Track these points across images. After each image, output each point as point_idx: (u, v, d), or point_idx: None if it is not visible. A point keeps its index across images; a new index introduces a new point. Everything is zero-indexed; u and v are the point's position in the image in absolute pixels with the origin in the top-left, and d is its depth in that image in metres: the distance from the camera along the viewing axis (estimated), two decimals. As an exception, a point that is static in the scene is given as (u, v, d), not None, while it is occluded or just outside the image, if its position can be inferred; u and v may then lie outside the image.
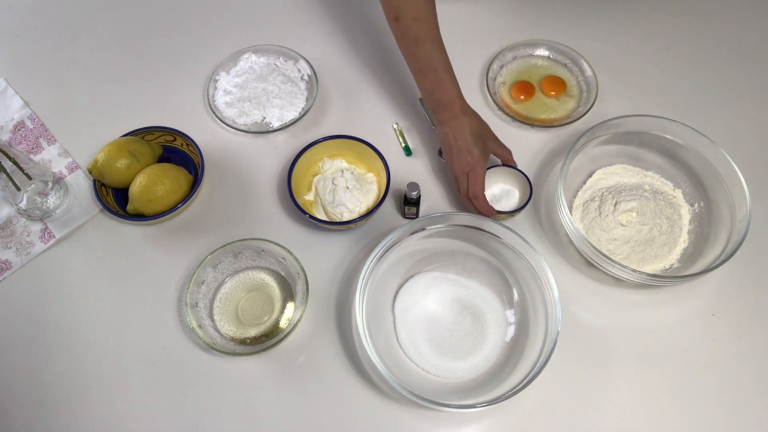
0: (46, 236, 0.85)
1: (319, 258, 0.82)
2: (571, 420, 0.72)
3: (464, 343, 0.76)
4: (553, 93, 0.96)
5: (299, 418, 0.73)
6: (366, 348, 0.69)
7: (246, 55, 0.98)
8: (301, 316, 0.74)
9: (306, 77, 0.98)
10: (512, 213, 0.82)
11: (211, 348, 0.72)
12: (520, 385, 0.67)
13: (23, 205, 0.84)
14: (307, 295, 0.75)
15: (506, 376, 0.72)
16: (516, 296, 0.78)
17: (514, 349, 0.75)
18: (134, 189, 0.82)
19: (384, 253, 0.76)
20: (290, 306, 0.79)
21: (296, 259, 0.77)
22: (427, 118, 0.84)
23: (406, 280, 0.80)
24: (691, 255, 0.81)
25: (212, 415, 0.73)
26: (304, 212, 0.80)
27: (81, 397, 0.75)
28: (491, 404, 0.66)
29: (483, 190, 0.79)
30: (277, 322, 0.78)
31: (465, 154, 0.79)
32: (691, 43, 1.02)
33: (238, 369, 0.76)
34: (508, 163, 0.83)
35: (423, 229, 0.78)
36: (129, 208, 0.83)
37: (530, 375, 0.68)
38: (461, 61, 0.98)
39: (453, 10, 1.04)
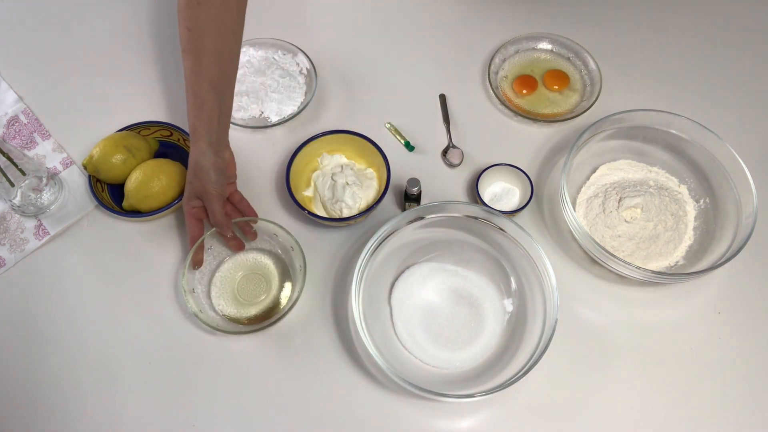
0: (40, 233, 0.84)
1: (319, 255, 0.81)
2: (571, 416, 0.72)
3: (462, 334, 0.76)
4: (556, 87, 0.94)
5: (299, 413, 0.72)
6: (363, 340, 0.68)
7: (244, 49, 0.97)
8: (301, 290, 0.74)
9: (305, 71, 0.96)
10: (512, 213, 0.81)
11: (215, 330, 0.72)
12: (520, 373, 0.66)
13: (17, 201, 0.83)
14: (305, 269, 0.75)
15: (505, 365, 0.71)
16: (514, 285, 0.78)
17: (513, 338, 0.75)
18: (130, 185, 0.81)
19: (380, 243, 0.75)
20: (288, 285, 0.79)
21: (288, 233, 0.76)
22: (441, 114, 0.82)
23: (403, 271, 0.80)
24: (696, 252, 0.80)
25: (210, 412, 0.73)
26: (303, 208, 0.79)
27: (76, 396, 0.74)
28: (490, 393, 0.65)
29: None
30: (277, 299, 0.78)
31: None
32: (697, 37, 1.00)
33: (237, 363, 0.75)
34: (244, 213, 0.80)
35: (419, 219, 0.77)
36: (125, 204, 0.82)
37: (530, 363, 0.67)
38: (462, 56, 0.98)
39: (455, 3, 1.02)
